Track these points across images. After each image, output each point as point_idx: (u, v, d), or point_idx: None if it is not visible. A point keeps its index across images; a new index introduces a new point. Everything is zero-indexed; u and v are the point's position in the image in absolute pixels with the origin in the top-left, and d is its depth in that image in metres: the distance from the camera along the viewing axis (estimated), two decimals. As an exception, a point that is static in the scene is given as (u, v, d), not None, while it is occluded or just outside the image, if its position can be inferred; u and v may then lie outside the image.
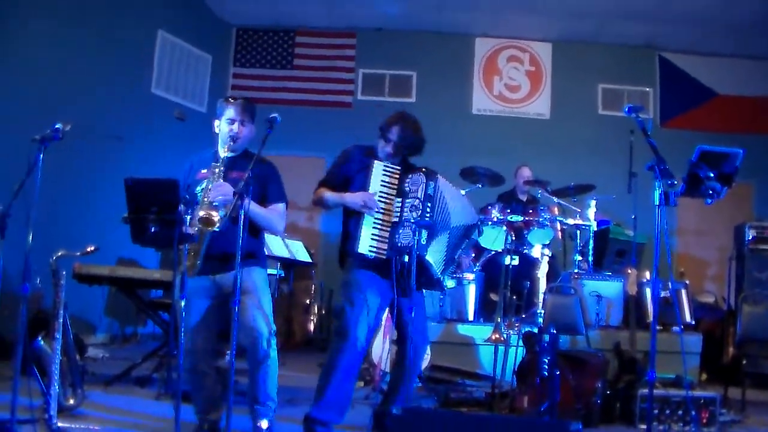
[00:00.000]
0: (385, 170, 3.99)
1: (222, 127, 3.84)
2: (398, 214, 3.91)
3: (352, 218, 4.00)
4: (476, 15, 9.59)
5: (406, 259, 3.82)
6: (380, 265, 3.90)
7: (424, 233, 3.87)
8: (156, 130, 8.39)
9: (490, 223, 6.22)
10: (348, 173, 4.09)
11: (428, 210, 3.94)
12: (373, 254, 3.86)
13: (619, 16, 9.19)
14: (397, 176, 3.99)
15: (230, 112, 3.82)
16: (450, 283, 4.17)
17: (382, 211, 3.93)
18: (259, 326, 3.69)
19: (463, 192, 4.51)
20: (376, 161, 3.99)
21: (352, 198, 3.95)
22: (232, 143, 3.76)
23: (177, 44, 8.91)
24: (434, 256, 3.99)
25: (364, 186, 3.95)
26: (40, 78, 6.76)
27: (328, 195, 4.07)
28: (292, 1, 9.43)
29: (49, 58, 6.92)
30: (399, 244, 3.85)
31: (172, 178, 3.66)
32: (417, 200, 3.93)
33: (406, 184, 3.96)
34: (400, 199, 3.94)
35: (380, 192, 3.94)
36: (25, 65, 6.67)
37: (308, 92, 9.95)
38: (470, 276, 6.15)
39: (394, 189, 3.97)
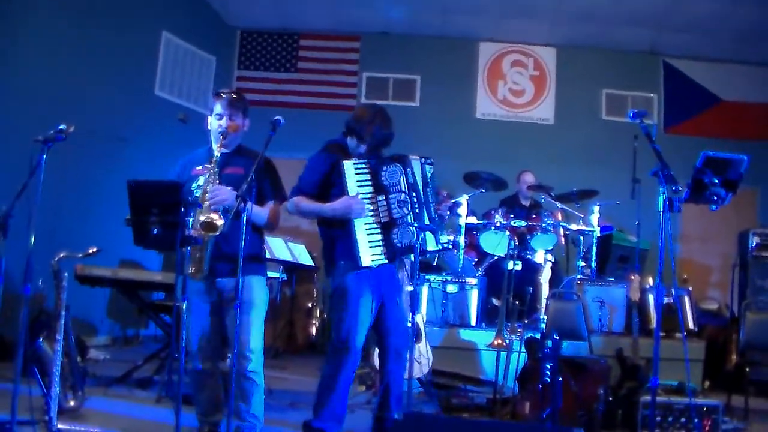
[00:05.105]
0: (356, 169, 3.79)
1: (212, 122, 3.76)
2: (386, 213, 3.79)
3: (336, 228, 3.85)
4: (480, 19, 9.59)
5: (412, 258, 3.74)
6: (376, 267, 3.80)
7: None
8: (159, 132, 8.39)
9: (493, 228, 6.22)
10: (325, 180, 3.89)
11: (415, 200, 3.86)
12: (377, 263, 3.76)
13: (623, 22, 9.19)
14: (368, 170, 3.81)
15: (218, 107, 3.73)
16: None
17: (369, 212, 3.78)
18: (251, 342, 3.64)
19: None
20: (344, 162, 3.78)
21: (340, 205, 3.77)
22: (222, 139, 3.64)
23: (181, 46, 8.92)
24: (430, 241, 3.97)
25: (344, 191, 3.78)
26: (43, 79, 6.76)
27: (310, 206, 3.88)
28: (296, 4, 9.44)
29: (53, 60, 6.91)
30: (399, 245, 3.76)
31: (175, 180, 3.67)
32: (402, 194, 3.83)
33: (383, 178, 3.81)
34: (383, 197, 3.80)
35: (360, 194, 3.76)
36: (28, 66, 6.66)
37: (312, 95, 9.94)
38: (473, 281, 6.14)
39: (371, 186, 3.80)
